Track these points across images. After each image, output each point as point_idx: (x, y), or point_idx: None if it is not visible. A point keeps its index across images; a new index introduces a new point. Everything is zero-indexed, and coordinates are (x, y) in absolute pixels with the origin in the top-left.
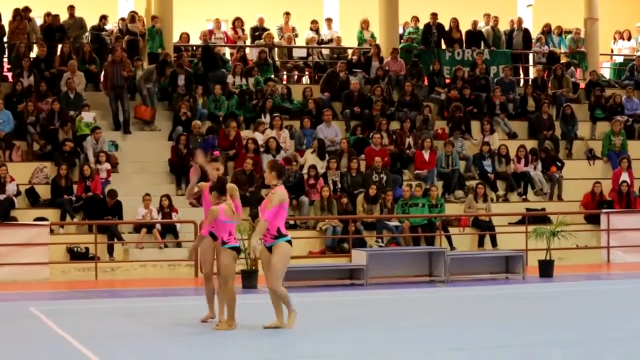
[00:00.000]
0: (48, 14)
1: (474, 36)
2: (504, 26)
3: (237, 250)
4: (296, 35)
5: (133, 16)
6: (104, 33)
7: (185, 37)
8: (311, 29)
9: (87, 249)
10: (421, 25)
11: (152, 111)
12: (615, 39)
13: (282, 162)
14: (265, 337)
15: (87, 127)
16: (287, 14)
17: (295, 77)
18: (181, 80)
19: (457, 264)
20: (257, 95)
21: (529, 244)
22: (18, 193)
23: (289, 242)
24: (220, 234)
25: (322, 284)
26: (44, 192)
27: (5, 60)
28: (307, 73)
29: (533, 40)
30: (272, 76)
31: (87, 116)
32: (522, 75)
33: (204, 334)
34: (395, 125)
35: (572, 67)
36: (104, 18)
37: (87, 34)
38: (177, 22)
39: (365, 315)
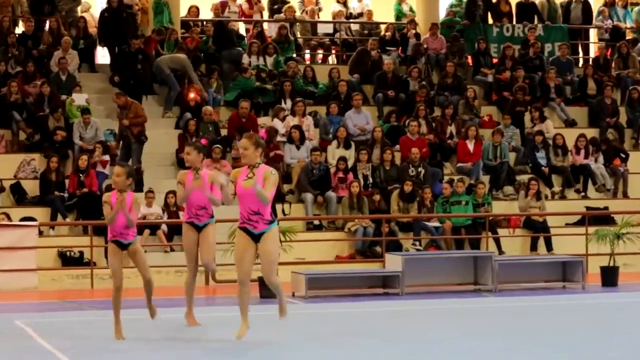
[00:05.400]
0: None
1: (526, 9)
2: None
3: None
4: (320, 9)
5: None
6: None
7: (194, 11)
8: (338, 2)
9: (81, 253)
10: None
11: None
12: None
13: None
14: (286, 350)
15: (79, 112)
16: None
17: (321, 56)
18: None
19: (507, 271)
20: (277, 77)
21: (590, 247)
22: (2, 189)
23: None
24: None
25: (351, 293)
26: (31, 188)
27: None
28: (333, 52)
29: (594, 14)
30: (294, 55)
31: (79, 98)
32: (581, 54)
33: (215, 350)
34: (435, 112)
35: None
36: None
37: (80, 6)
38: None
39: (400, 329)
